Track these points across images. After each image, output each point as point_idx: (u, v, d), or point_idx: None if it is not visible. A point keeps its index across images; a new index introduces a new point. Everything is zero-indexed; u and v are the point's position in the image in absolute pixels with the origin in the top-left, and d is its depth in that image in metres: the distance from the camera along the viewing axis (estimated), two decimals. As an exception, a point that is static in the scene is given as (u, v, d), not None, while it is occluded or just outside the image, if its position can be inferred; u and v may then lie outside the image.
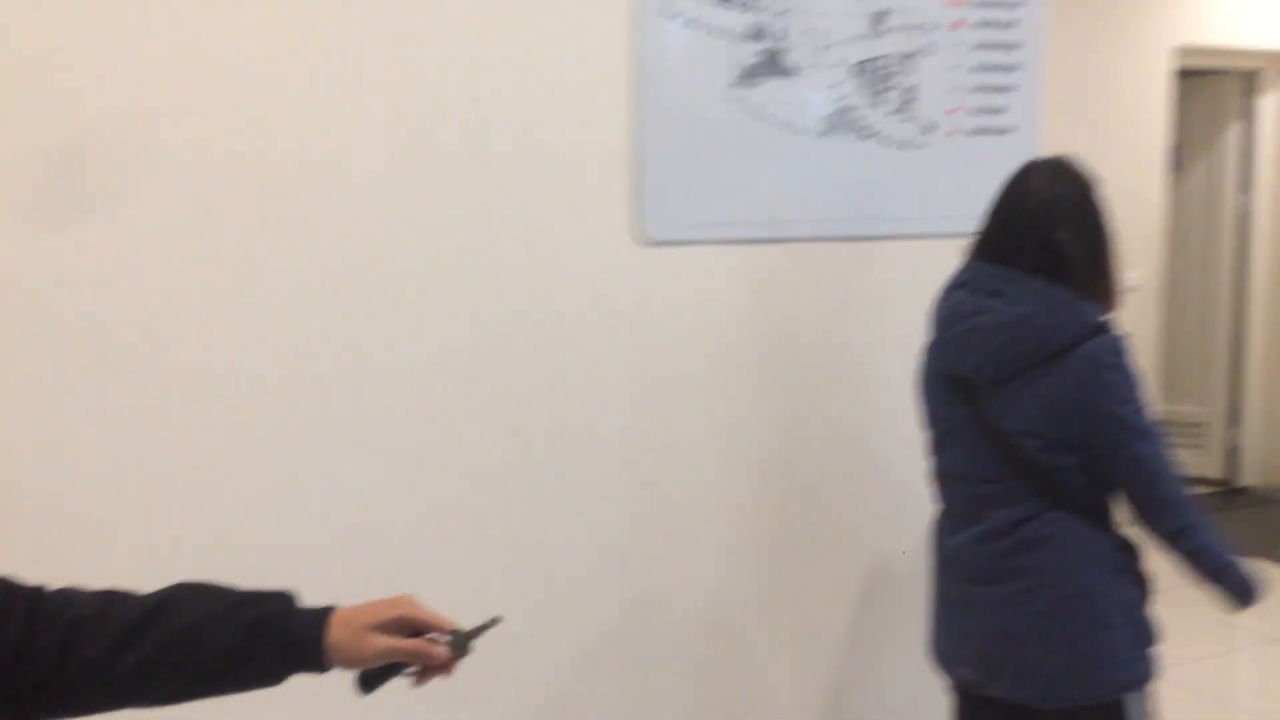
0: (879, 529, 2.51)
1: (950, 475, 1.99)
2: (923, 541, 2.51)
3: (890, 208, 2.47)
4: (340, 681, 1.15)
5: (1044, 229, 1.85)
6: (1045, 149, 5.29)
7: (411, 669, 1.16)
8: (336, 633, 1.11)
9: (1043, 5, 2.59)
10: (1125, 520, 1.87)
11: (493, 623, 1.21)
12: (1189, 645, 4.22)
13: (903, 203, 2.48)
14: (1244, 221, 5.97)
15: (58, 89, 1.79)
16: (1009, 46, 2.56)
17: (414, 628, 1.15)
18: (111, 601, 1.08)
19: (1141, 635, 1.88)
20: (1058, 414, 1.81)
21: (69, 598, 1.07)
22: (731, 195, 2.31)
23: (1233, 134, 5.96)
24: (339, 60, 1.98)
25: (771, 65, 2.30)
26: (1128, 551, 1.90)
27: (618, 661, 2.31)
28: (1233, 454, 6.16)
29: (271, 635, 1.10)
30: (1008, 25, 2.55)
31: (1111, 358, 1.81)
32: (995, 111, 2.56)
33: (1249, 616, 4.34)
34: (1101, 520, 1.86)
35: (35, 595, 1.06)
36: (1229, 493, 6.09)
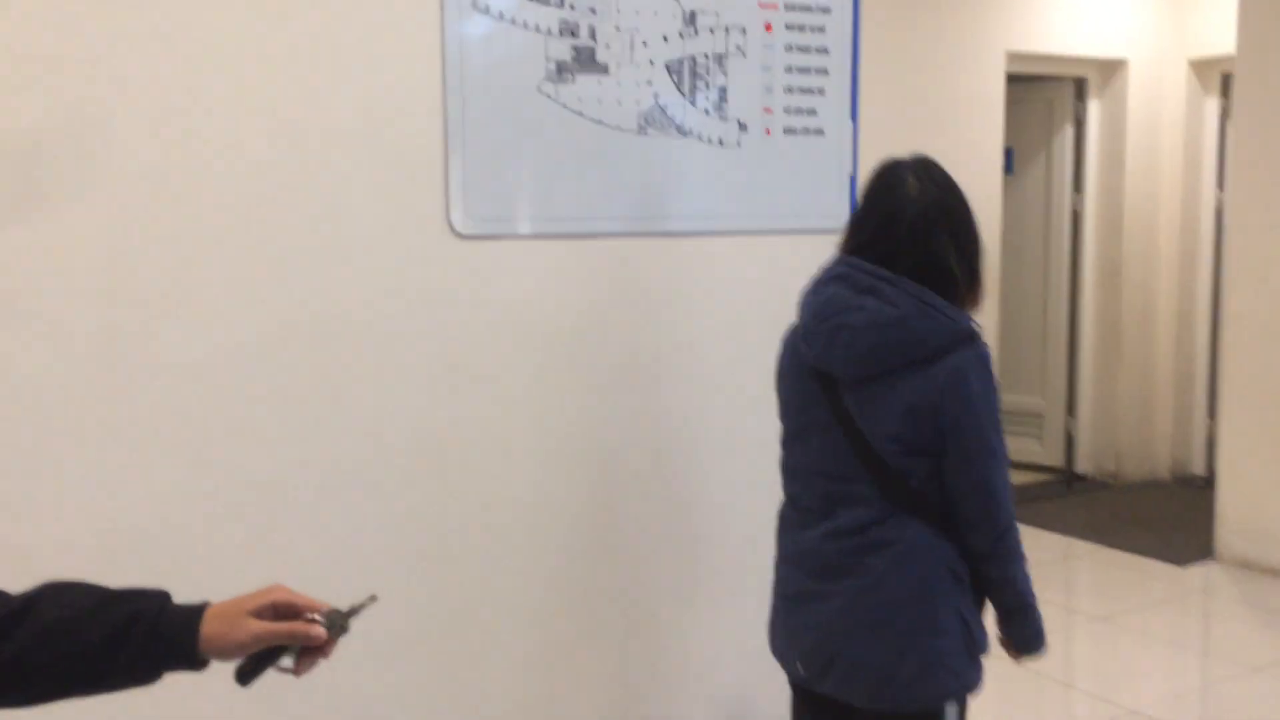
0: (701, 521, 2.56)
1: (805, 470, 1.96)
2: (729, 532, 2.60)
3: (707, 204, 2.53)
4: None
5: (926, 237, 1.84)
6: (882, 150, 5.42)
7: (288, 660, 1.16)
8: (212, 625, 1.11)
9: (850, 12, 2.68)
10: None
11: (369, 601, 1.22)
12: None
13: (720, 199, 2.54)
14: (1076, 221, 6.27)
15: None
16: (819, 50, 2.64)
17: (290, 612, 1.15)
18: None
19: (974, 644, 1.88)
20: (916, 420, 1.80)
21: None
22: (545, 190, 2.34)
23: (1065, 138, 6.25)
24: (157, 54, 1.95)
25: (584, 62, 2.34)
26: (966, 560, 1.88)
27: (436, 657, 2.31)
28: (1069, 442, 6.46)
29: (141, 631, 1.09)
30: (818, 30, 2.63)
31: (977, 371, 1.80)
32: (807, 113, 2.64)
33: (1066, 594, 4.59)
34: (948, 527, 1.85)
35: None
36: (1068, 479, 6.39)
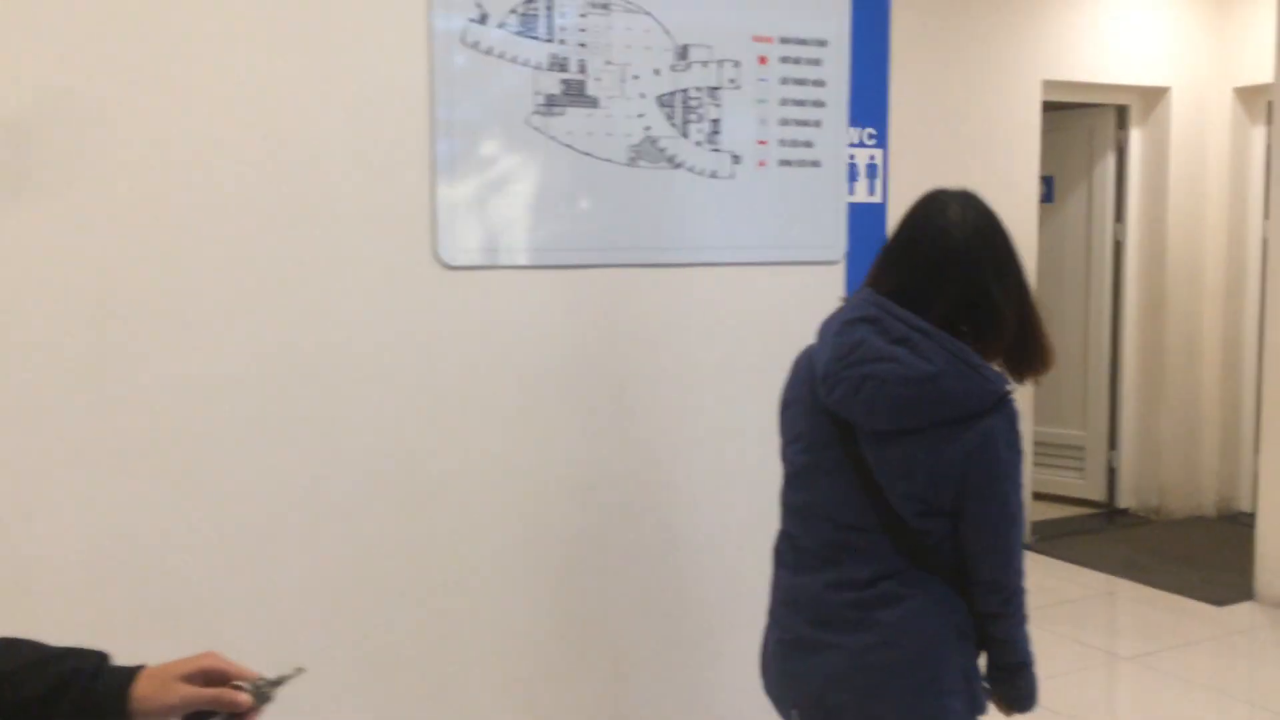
0: (689, 553, 2.56)
1: (810, 513, 1.88)
2: (721, 565, 2.59)
3: (700, 235, 2.54)
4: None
5: (969, 266, 1.76)
6: (914, 180, 5.39)
7: (219, 718, 1.21)
8: (144, 687, 1.17)
9: (848, 44, 2.69)
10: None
11: (295, 673, 1.27)
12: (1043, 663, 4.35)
13: (712, 231, 2.55)
14: (1118, 250, 6.17)
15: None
16: (815, 82, 2.65)
17: (219, 678, 1.21)
18: None
19: (975, 703, 1.84)
20: (939, 482, 1.73)
21: None
22: (534, 222, 2.37)
23: (1107, 166, 6.16)
24: (139, 84, 2.01)
25: (573, 95, 2.37)
26: (971, 615, 1.85)
27: (421, 686, 2.33)
28: (1111, 476, 6.33)
29: (76, 690, 1.15)
30: (814, 62, 2.64)
31: (1006, 436, 1.74)
32: (803, 144, 2.65)
33: (1097, 633, 4.49)
34: (959, 585, 1.82)
35: None
36: (1109, 514, 6.26)
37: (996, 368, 1.79)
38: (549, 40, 2.33)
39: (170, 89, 2.04)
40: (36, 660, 1.17)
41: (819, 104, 2.67)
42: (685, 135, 2.50)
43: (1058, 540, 5.76)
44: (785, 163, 2.63)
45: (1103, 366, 6.28)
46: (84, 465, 2.01)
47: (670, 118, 2.48)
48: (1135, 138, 6.05)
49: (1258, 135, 5.95)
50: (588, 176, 2.40)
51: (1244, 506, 6.07)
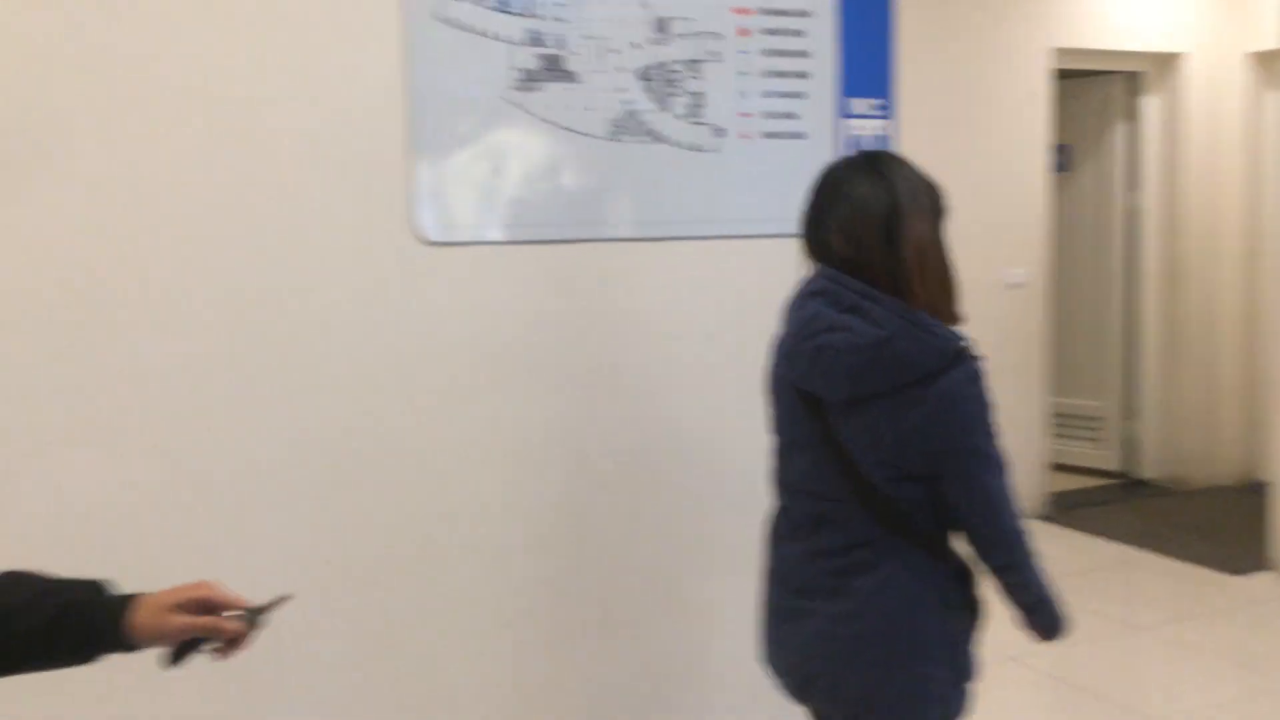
0: (675, 527, 2.57)
1: (791, 487, 1.92)
2: (703, 537, 2.60)
3: (683, 209, 2.54)
4: None
5: (891, 238, 1.76)
6: (928, 151, 5.36)
7: (212, 644, 1.30)
8: (140, 615, 1.25)
9: (831, 14, 2.67)
10: (961, 548, 1.84)
11: (281, 600, 1.35)
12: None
13: (696, 204, 2.55)
14: (1133, 218, 6.10)
15: None
16: (799, 54, 2.63)
17: (212, 607, 1.29)
18: None
19: (961, 670, 1.84)
20: (905, 446, 1.74)
21: None
22: (513, 196, 2.37)
23: (1120, 134, 6.09)
24: (119, 62, 2.03)
25: (551, 70, 2.37)
26: (960, 582, 1.84)
27: (409, 659, 2.36)
28: (1131, 446, 6.28)
29: (74, 619, 1.23)
30: (797, 33, 2.62)
31: (968, 389, 1.73)
32: (787, 116, 2.64)
33: (1112, 604, 4.47)
34: (938, 550, 1.81)
35: None
36: (1129, 484, 6.21)
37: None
38: (525, 15, 2.33)
39: (144, 69, 2.06)
40: (37, 593, 1.24)
41: (803, 75, 2.65)
42: (666, 109, 2.49)
43: (1075, 511, 5.72)
44: (770, 135, 2.62)
45: (1120, 336, 6.22)
46: (63, 441, 2.05)
47: (651, 91, 2.47)
48: (1151, 105, 5.97)
49: (1271, 101, 5.86)
50: (568, 151, 2.41)
51: (1266, 476, 6.00)
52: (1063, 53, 5.51)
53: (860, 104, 4.94)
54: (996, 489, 1.76)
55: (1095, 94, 6.13)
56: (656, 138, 2.49)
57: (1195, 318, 6.01)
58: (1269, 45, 5.63)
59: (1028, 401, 5.62)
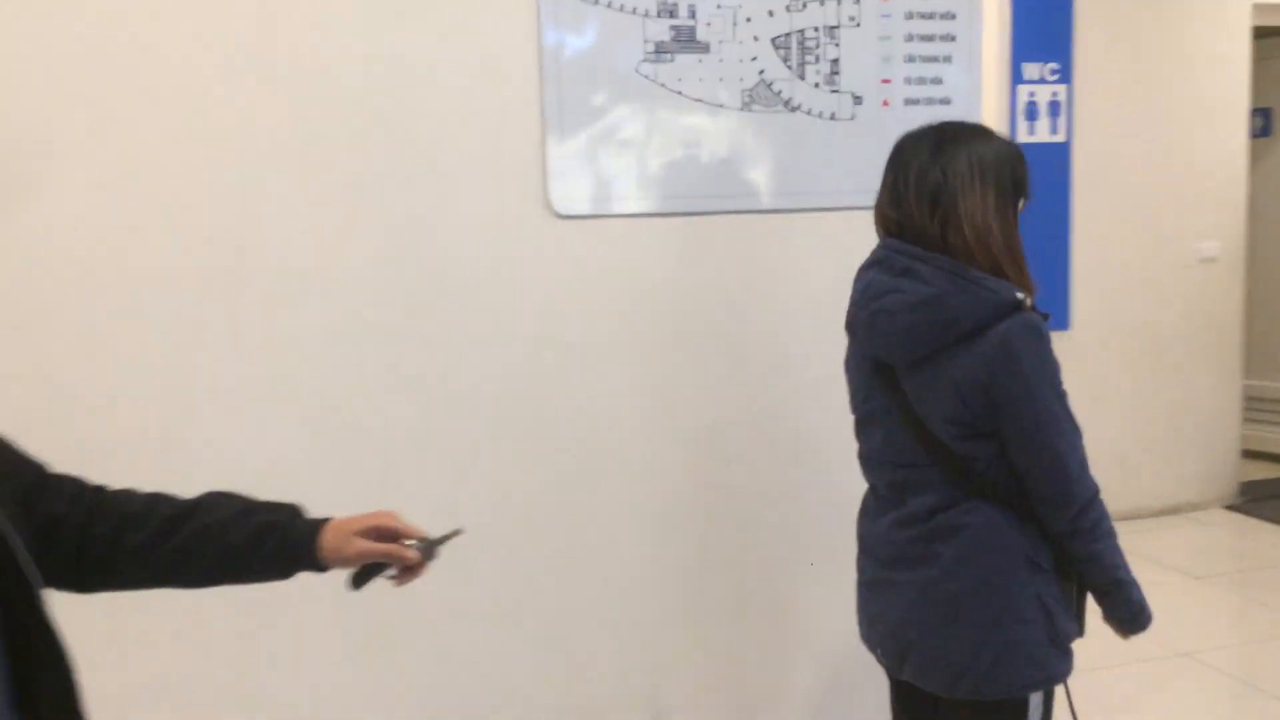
0: (804, 500, 2.54)
1: (873, 459, 1.94)
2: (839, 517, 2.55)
3: (820, 179, 2.49)
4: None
5: (939, 205, 1.77)
6: (1107, 117, 5.09)
7: (390, 571, 1.39)
8: (328, 538, 1.35)
9: (977, -28, 2.56)
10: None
11: (454, 533, 1.44)
12: (1236, 628, 4.07)
13: (833, 174, 2.50)
14: (1342, 188, 5.63)
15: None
16: (944, 15, 2.54)
17: (392, 535, 1.38)
18: (155, 501, 1.33)
19: (1058, 634, 1.80)
20: (968, 399, 1.73)
21: (123, 496, 1.32)
22: (645, 169, 2.38)
23: (1330, 95, 5.61)
24: (251, 42, 2.14)
25: (683, 41, 2.36)
26: (1047, 542, 1.81)
27: (539, 622, 2.43)
28: (1335, 434, 5.83)
29: (275, 538, 1.33)
30: (941, -6, 2.53)
31: (1025, 340, 1.70)
32: (931, 81, 2.55)
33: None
34: (1023, 511, 1.78)
35: (97, 492, 1.31)
36: (1334, 474, 5.77)
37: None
38: (658, -14, 2.33)
39: (297, 55, 2.16)
40: (241, 510, 1.34)
41: (949, 38, 2.56)
42: (802, 77, 2.45)
43: (1267, 502, 5.35)
44: (911, 101, 2.54)
45: (1325, 315, 5.77)
46: (222, 408, 2.18)
47: (786, 60, 2.44)
48: (1366, 62, 5.48)
49: None
50: (699, 123, 2.40)
51: None
52: (1260, 8, 5.11)
53: (1034, 68, 4.75)
54: (1062, 450, 1.73)
55: (1302, 52, 5.67)
56: (791, 107, 2.46)
57: None
58: None
59: (1219, 384, 5.28)
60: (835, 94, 2.48)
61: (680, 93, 2.37)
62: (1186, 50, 5.05)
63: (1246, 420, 5.65)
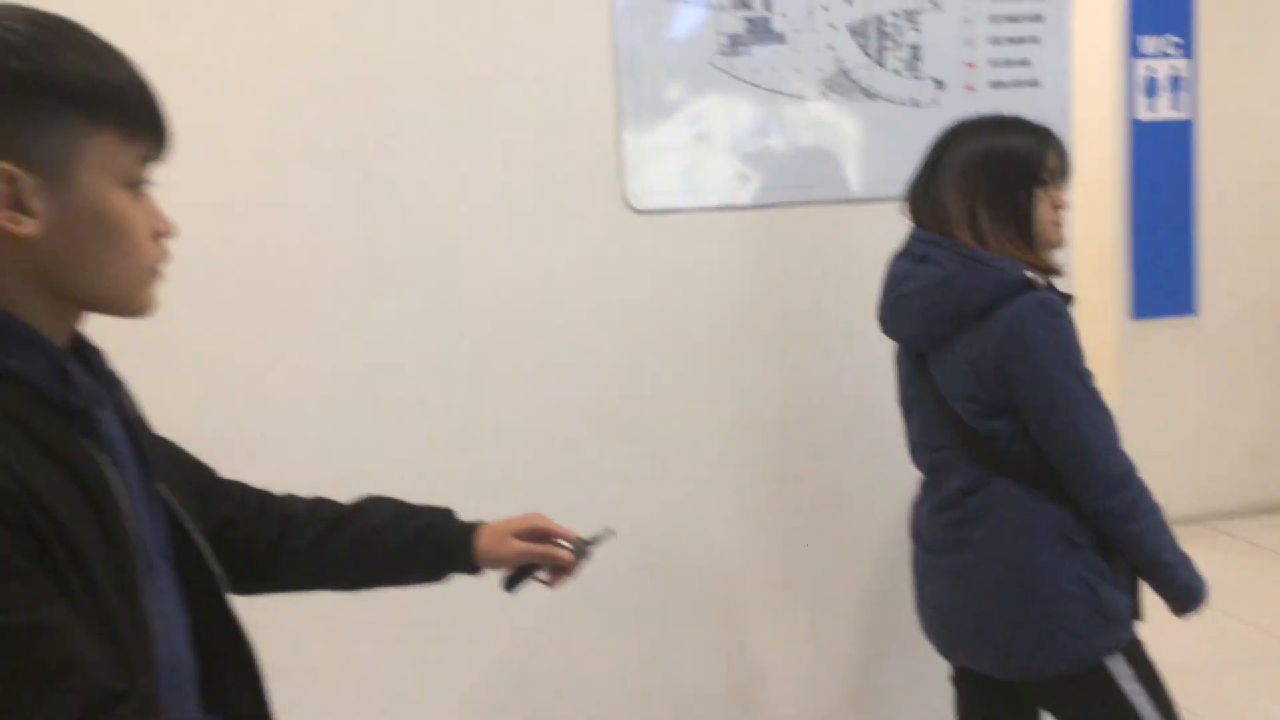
0: (888, 491, 2.51)
1: (914, 444, 2.00)
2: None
3: (899, 168, 2.44)
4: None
5: (943, 189, 1.87)
6: (1233, 93, 4.83)
7: (542, 573, 1.42)
8: (484, 540, 1.38)
9: (1068, -52, 2.48)
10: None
11: (606, 534, 1.47)
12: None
13: (914, 162, 2.45)
14: None
15: None
16: (1031, -6, 2.47)
17: (544, 536, 1.41)
18: (317, 505, 1.36)
19: (1105, 609, 1.79)
20: (982, 377, 1.78)
21: (286, 500, 1.35)
22: (721, 162, 2.38)
23: None
24: (335, 41, 2.21)
25: (758, 33, 2.36)
26: (1087, 521, 1.81)
27: (624, 612, 2.46)
28: None
29: (432, 540, 1.36)
30: (1028, -28, 2.46)
31: (1037, 317, 1.74)
32: (1018, 64, 2.49)
33: None
34: (1053, 489, 1.79)
35: (262, 495, 1.35)
36: None
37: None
38: (731, -21, 2.33)
39: (356, 49, 2.22)
40: (399, 514, 1.37)
41: (1036, 18, 2.49)
42: (881, 64, 2.42)
43: None
44: (998, 84, 2.48)
45: None
46: (325, 399, 2.27)
47: (864, 47, 2.41)
48: None
49: None
50: (776, 114, 2.39)
51: None
52: None
53: (1152, 42, 4.56)
54: (1083, 428, 1.74)
55: None
56: (870, 94, 2.43)
57: None
58: None
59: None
60: (916, 80, 2.44)
61: (756, 84, 2.37)
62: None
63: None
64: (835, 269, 2.47)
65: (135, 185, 1.01)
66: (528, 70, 2.29)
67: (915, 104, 2.44)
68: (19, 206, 0.93)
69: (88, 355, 1.06)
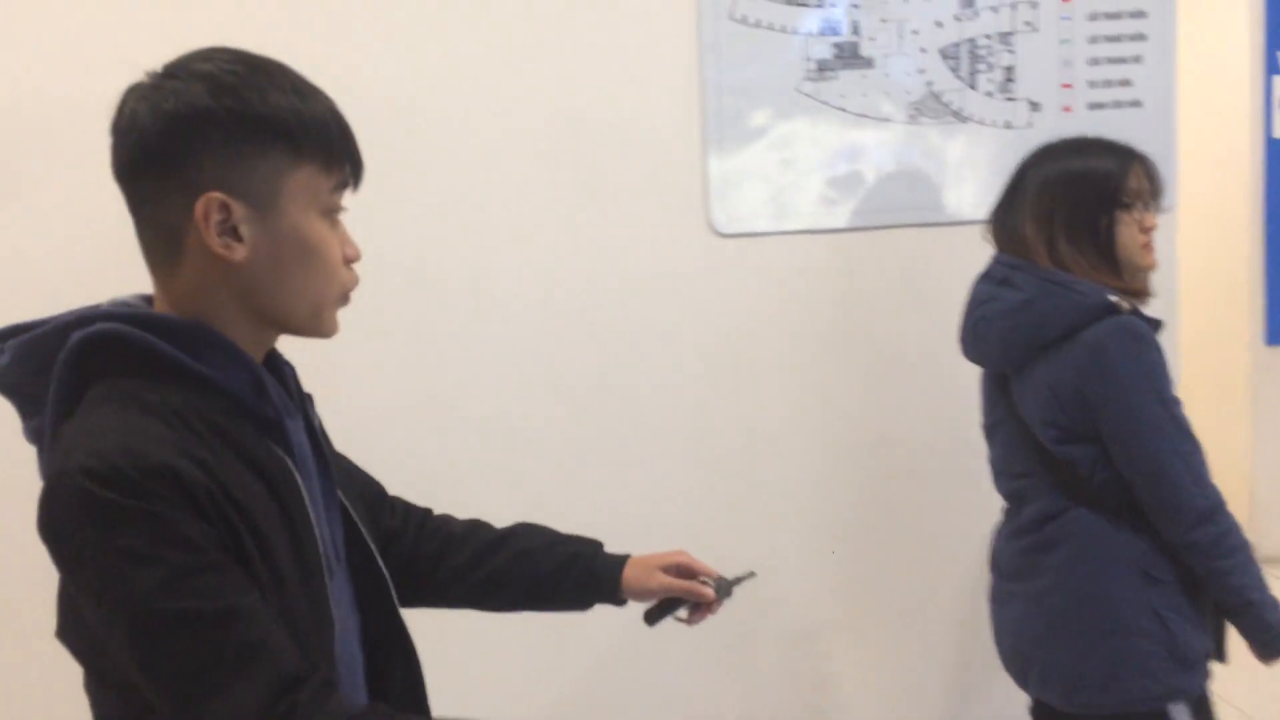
0: (974, 518, 2.46)
1: (996, 469, 1.97)
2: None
3: (993, 190, 2.41)
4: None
5: (1021, 213, 1.85)
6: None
7: (683, 610, 1.44)
8: (630, 572, 1.41)
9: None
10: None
11: (749, 575, 1.48)
12: None
13: (1007, 185, 2.42)
14: None
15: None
16: (1133, 14, 2.41)
17: (688, 572, 1.44)
18: (476, 527, 1.42)
19: (1179, 648, 1.73)
20: (1063, 403, 1.74)
21: (446, 520, 1.43)
22: (806, 186, 2.39)
23: None
24: (430, 64, 2.29)
25: (846, 58, 2.36)
26: (1171, 555, 1.75)
27: (705, 632, 2.45)
28: None
29: (582, 568, 1.40)
30: (1130, -10, 2.40)
31: (1120, 342, 1.70)
32: (1119, 84, 2.42)
33: None
34: (1134, 521, 1.74)
35: (424, 513, 1.43)
36: None
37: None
38: (819, 5, 2.34)
39: (456, 79, 2.30)
40: (550, 542, 1.41)
41: (1139, 37, 2.42)
42: (973, 86, 2.39)
43: None
44: (1096, 105, 2.42)
45: None
46: (404, 414, 2.36)
47: (955, 70, 2.38)
48: None
49: None
50: (863, 137, 2.39)
51: None
52: None
53: (1281, 56, 4.35)
54: (1166, 459, 1.69)
55: None
56: (961, 117, 2.40)
57: None
58: None
59: None
60: (1010, 101, 2.40)
61: (843, 109, 2.37)
62: None
63: None
64: (923, 293, 2.44)
65: (331, 213, 1.09)
66: (614, 96, 2.34)
67: (1009, 125, 2.41)
68: (231, 234, 1.03)
69: (281, 370, 1.17)
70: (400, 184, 2.30)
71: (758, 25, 2.34)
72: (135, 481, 0.93)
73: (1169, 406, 1.71)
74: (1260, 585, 1.72)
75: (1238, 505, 4.37)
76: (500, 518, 2.26)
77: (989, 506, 2.46)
